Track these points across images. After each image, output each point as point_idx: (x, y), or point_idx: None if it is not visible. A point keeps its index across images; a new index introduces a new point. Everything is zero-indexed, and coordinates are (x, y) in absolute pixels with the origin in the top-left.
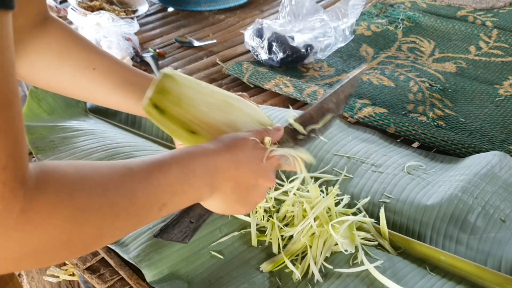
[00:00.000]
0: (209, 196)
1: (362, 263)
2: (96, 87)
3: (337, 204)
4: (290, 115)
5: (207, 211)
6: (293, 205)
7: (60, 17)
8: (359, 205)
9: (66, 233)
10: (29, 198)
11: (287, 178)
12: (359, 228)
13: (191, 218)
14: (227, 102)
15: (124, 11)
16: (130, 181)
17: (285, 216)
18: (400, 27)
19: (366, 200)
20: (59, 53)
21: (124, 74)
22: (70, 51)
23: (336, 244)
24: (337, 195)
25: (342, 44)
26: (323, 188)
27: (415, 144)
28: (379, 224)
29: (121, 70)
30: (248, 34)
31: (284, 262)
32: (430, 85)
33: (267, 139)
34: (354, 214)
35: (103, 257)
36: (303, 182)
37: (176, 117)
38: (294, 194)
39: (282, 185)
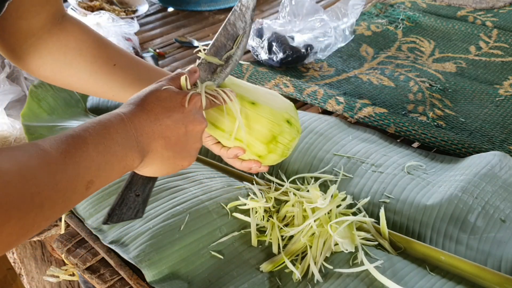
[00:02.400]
0: (140, 161)
1: (362, 263)
2: (116, 83)
3: (338, 205)
4: (201, 50)
5: (149, 179)
6: (293, 206)
7: None
8: (359, 205)
9: None
10: None
11: (287, 178)
12: (359, 228)
13: (136, 191)
14: (267, 96)
15: (124, 11)
16: (48, 165)
17: (285, 216)
18: (400, 27)
19: (366, 200)
20: (78, 50)
21: (143, 70)
22: (89, 48)
23: (336, 244)
24: (342, 199)
25: (342, 44)
26: (323, 188)
27: (415, 144)
28: (379, 224)
29: (140, 67)
30: None
31: (284, 262)
32: (430, 85)
33: (183, 82)
34: (354, 214)
35: (103, 257)
36: (303, 182)
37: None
38: (294, 194)
39: (282, 185)
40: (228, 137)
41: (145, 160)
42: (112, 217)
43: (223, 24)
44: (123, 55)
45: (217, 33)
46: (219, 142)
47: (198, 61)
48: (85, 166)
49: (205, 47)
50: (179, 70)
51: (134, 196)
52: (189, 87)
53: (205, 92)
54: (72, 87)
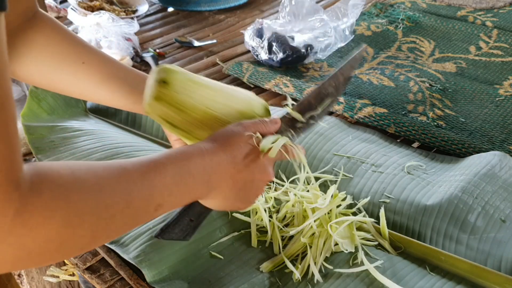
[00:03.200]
0: (206, 195)
1: (362, 263)
2: (85, 81)
3: (338, 205)
4: (288, 103)
5: (206, 209)
6: (293, 206)
7: (60, 17)
8: (359, 205)
9: (61, 235)
10: (24, 201)
11: (287, 178)
12: (359, 228)
13: (191, 216)
14: (226, 92)
15: (124, 11)
16: (126, 182)
17: (285, 216)
18: (400, 27)
19: (366, 200)
20: (47, 47)
21: (112, 69)
22: (58, 45)
23: (336, 244)
24: (342, 199)
25: (342, 44)
26: (323, 188)
27: (415, 144)
28: (379, 224)
29: (109, 65)
30: (248, 34)
31: (284, 262)
32: (430, 85)
33: (259, 135)
34: (354, 214)
35: (103, 257)
36: (303, 182)
37: (179, 107)
38: (295, 194)
39: (282, 185)
40: (188, 137)
41: (210, 194)
42: (164, 234)
43: (317, 85)
44: (93, 53)
45: (310, 92)
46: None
47: (282, 113)
48: (159, 190)
49: (294, 102)
50: (270, 118)
51: (188, 220)
52: (269, 140)
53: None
54: (40, 85)
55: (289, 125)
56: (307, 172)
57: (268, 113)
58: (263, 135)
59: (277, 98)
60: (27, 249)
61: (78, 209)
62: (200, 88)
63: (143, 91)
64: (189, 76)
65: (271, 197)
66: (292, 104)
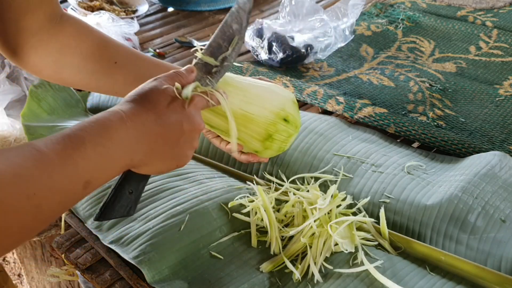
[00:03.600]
0: (138, 161)
1: (362, 263)
2: (118, 81)
3: (338, 205)
4: (198, 49)
5: (143, 176)
6: (293, 206)
7: None
8: (359, 205)
9: None
10: None
11: (287, 178)
12: (359, 228)
13: (129, 189)
14: (258, 92)
15: (124, 11)
16: (45, 166)
17: (285, 216)
18: (400, 27)
19: (366, 200)
20: (79, 50)
21: (146, 66)
22: (89, 47)
23: (336, 244)
24: (342, 199)
25: (342, 44)
26: (323, 188)
27: (415, 144)
28: (379, 224)
29: (142, 63)
30: (248, 34)
31: (284, 262)
32: (430, 85)
33: (178, 84)
34: (354, 214)
35: (103, 257)
36: (303, 182)
37: (216, 111)
38: (294, 194)
39: (282, 185)
40: (225, 135)
41: (142, 159)
42: (105, 214)
43: (220, 25)
44: (124, 52)
45: (214, 34)
46: (219, 136)
47: (194, 61)
48: (82, 167)
49: (202, 47)
50: (184, 68)
51: (127, 194)
52: (189, 88)
53: (202, 93)
54: (75, 86)
55: (205, 71)
56: (232, 123)
57: (296, 105)
58: (182, 86)
59: None
60: None
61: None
62: (235, 91)
63: None
64: (225, 80)
65: (271, 197)
66: (202, 50)
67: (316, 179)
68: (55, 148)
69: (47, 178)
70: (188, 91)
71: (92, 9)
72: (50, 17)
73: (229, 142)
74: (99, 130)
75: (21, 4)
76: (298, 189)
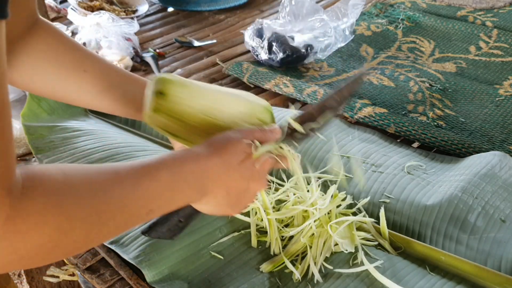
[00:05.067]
0: (198, 200)
1: (362, 263)
2: (86, 90)
3: (338, 205)
4: (291, 114)
5: (196, 211)
6: (293, 206)
7: (60, 17)
8: (359, 205)
9: (53, 241)
10: (16, 206)
11: (288, 178)
12: (359, 228)
13: (180, 217)
14: (225, 97)
15: (124, 11)
16: (119, 187)
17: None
18: (400, 27)
19: (366, 200)
20: (48, 55)
21: (114, 77)
22: (59, 53)
23: (336, 244)
24: (342, 199)
25: (342, 44)
26: (323, 188)
27: (415, 144)
28: (379, 224)
29: (111, 73)
30: (248, 34)
31: (284, 262)
32: (430, 85)
33: (257, 143)
34: (354, 214)
35: (103, 257)
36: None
37: (178, 117)
38: (294, 194)
39: (282, 185)
40: (187, 143)
41: (202, 199)
42: (152, 231)
43: (321, 99)
44: (95, 62)
45: (312, 106)
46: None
47: (283, 123)
48: (152, 195)
49: (296, 113)
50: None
51: (177, 221)
52: (262, 149)
53: (278, 155)
54: (40, 93)
55: (289, 135)
56: (302, 178)
57: (271, 114)
58: (261, 144)
59: (277, 98)
60: (19, 254)
61: (71, 215)
62: (198, 96)
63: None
64: (186, 85)
65: (272, 198)
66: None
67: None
68: (133, 174)
69: (119, 199)
70: (261, 151)
71: (92, 9)
72: (24, 21)
73: None
74: (175, 165)
75: None
76: (298, 189)
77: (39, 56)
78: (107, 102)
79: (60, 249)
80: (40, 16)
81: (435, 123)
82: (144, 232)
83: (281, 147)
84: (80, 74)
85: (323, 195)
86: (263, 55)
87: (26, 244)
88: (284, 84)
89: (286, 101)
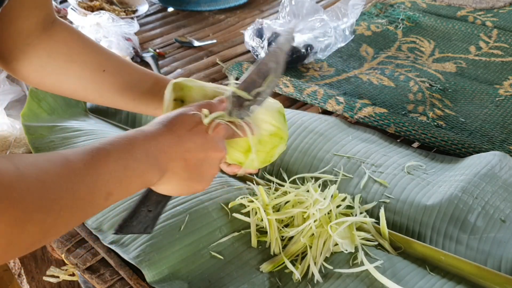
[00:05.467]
0: (158, 179)
1: (362, 263)
2: (106, 89)
3: (338, 205)
4: (232, 83)
5: (163, 196)
6: (293, 206)
7: (60, 17)
8: (358, 205)
9: (9, 235)
10: None
11: (288, 178)
12: (359, 228)
13: (148, 207)
14: None
15: (124, 11)
16: (69, 174)
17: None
18: (400, 27)
19: (371, 205)
20: (68, 56)
21: (133, 75)
22: (79, 54)
23: (336, 244)
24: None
25: (342, 44)
26: (323, 188)
27: (415, 144)
28: (379, 224)
29: (130, 71)
30: (248, 34)
31: (284, 262)
32: (430, 85)
33: (206, 111)
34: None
35: (103, 257)
36: (303, 182)
37: None
38: (295, 195)
39: (282, 185)
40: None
41: (163, 178)
42: (122, 229)
43: (256, 63)
44: (113, 61)
45: (250, 70)
46: None
47: (227, 93)
48: (105, 178)
49: (236, 82)
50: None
51: (146, 212)
52: (213, 116)
53: (230, 122)
54: (61, 93)
55: (236, 104)
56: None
57: (283, 118)
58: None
59: (277, 98)
60: None
61: (24, 207)
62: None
63: (163, 97)
64: (204, 90)
65: (273, 198)
66: (236, 84)
67: (316, 179)
68: (82, 158)
69: (71, 186)
70: (209, 117)
71: (92, 9)
72: (43, 22)
73: None
74: (124, 145)
75: (14, 8)
76: (297, 189)
77: (60, 58)
78: (127, 100)
79: (17, 244)
80: (58, 17)
81: (435, 123)
82: (116, 231)
83: (232, 118)
84: (100, 73)
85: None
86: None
87: None
88: (284, 84)
89: (286, 101)
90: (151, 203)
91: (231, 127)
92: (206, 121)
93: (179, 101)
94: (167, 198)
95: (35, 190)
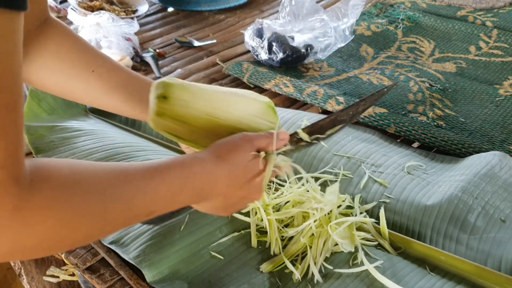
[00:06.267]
0: (196, 203)
1: (362, 263)
2: (93, 89)
3: (338, 205)
4: (303, 124)
5: (184, 209)
6: (293, 206)
7: (60, 17)
8: (358, 206)
9: (57, 234)
10: (24, 197)
11: (288, 177)
12: (359, 228)
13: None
14: (227, 97)
15: (124, 11)
16: (128, 187)
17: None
18: (400, 27)
19: (371, 205)
20: (58, 54)
21: (122, 78)
22: (69, 53)
23: (336, 244)
24: (342, 200)
25: (342, 44)
26: (324, 188)
27: (415, 144)
28: (379, 224)
29: (119, 73)
30: (248, 34)
31: (284, 262)
32: (430, 85)
33: (263, 153)
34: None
35: (103, 257)
36: (303, 183)
37: (183, 120)
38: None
39: (282, 185)
40: (193, 145)
41: (200, 202)
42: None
43: (334, 114)
44: (103, 62)
45: (324, 119)
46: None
47: (292, 132)
48: (158, 197)
49: (307, 124)
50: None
51: (169, 212)
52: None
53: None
54: (48, 90)
55: (294, 143)
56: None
57: (273, 111)
58: (267, 152)
59: (277, 98)
60: (22, 245)
61: (78, 211)
62: (201, 98)
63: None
64: (188, 87)
65: (273, 198)
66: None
67: (316, 179)
68: (142, 173)
69: (127, 198)
70: (269, 170)
71: (92, 9)
72: (35, 18)
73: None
74: (183, 168)
75: None
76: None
77: (49, 55)
78: (114, 102)
79: (63, 243)
80: (51, 15)
81: (435, 123)
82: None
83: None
84: (88, 73)
85: (323, 195)
86: (263, 55)
87: (31, 236)
88: (284, 84)
89: (286, 101)
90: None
91: (277, 172)
92: (265, 172)
93: (161, 98)
94: (191, 208)
95: (92, 196)
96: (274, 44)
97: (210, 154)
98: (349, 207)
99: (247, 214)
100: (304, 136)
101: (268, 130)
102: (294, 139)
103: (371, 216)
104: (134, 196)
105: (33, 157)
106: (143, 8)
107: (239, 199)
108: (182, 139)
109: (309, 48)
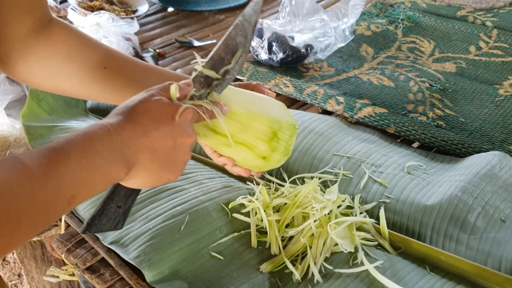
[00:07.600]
0: (126, 174)
1: (362, 263)
2: (108, 87)
3: (338, 205)
4: (198, 62)
5: (132, 190)
6: (293, 206)
7: (60, 17)
8: (358, 206)
9: None
10: None
11: (288, 178)
12: (359, 228)
13: (117, 203)
14: (259, 97)
15: (124, 11)
16: (28, 181)
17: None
18: (400, 27)
19: (371, 205)
20: (67, 55)
21: (135, 71)
22: (78, 52)
23: (336, 244)
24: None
25: (342, 44)
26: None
27: (415, 144)
28: (379, 224)
29: (133, 67)
30: None
31: (284, 262)
32: (430, 85)
33: (173, 93)
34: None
35: (103, 257)
36: (303, 182)
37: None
38: (295, 195)
39: (283, 185)
40: (222, 152)
41: (131, 172)
42: (91, 227)
43: (223, 38)
44: (114, 57)
45: (216, 47)
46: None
47: (194, 73)
48: (67, 181)
49: (203, 60)
50: (179, 71)
51: (115, 207)
52: (178, 96)
53: (196, 105)
54: (64, 93)
55: (204, 84)
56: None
57: (289, 112)
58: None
59: (277, 98)
60: None
61: None
62: (235, 91)
63: None
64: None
65: (273, 198)
66: (202, 62)
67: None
68: (40, 162)
69: (30, 193)
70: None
71: (92, 9)
72: (39, 22)
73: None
74: (84, 143)
75: (10, 9)
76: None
77: (61, 58)
78: (130, 97)
79: None
80: (54, 16)
81: (435, 123)
82: (83, 231)
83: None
84: (101, 71)
85: (323, 195)
86: (263, 55)
87: None
88: (284, 84)
89: (286, 101)
90: (120, 198)
91: (197, 111)
92: (181, 108)
93: None
94: (137, 191)
95: None
96: (274, 44)
97: (112, 116)
98: (349, 207)
99: (247, 214)
100: (209, 72)
101: (289, 126)
102: (201, 79)
103: (371, 216)
104: (36, 189)
105: None
106: (143, 8)
107: (170, 147)
108: (219, 134)
109: (309, 48)
